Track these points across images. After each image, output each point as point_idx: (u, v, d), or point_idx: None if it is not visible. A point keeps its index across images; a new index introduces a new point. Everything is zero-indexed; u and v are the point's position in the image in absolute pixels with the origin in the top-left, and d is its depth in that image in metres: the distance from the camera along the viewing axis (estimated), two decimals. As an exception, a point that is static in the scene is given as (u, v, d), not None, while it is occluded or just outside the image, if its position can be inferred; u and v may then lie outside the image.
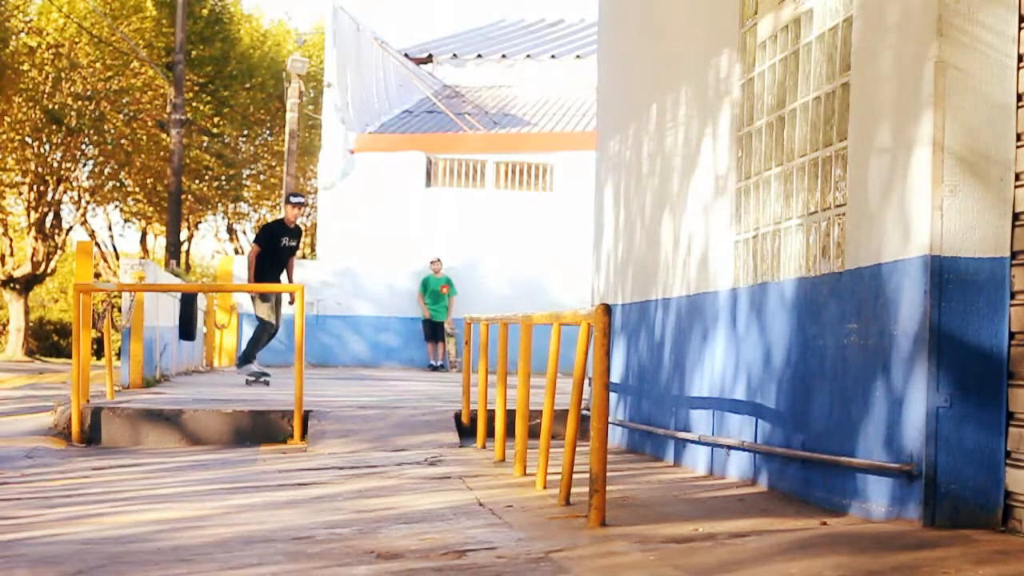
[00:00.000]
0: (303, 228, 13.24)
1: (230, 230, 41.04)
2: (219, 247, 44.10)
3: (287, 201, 12.81)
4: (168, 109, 25.37)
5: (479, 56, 28.44)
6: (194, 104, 31.54)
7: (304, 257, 27.98)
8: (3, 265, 32.78)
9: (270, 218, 36.91)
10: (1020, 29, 4.39)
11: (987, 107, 4.38)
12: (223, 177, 35.55)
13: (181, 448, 8.11)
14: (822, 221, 5.16)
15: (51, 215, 32.39)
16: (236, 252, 38.98)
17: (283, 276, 12.54)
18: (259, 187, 38.13)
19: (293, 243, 12.52)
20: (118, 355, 12.26)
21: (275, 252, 12.34)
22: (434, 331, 20.43)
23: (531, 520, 4.77)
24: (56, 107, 29.54)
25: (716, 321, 6.30)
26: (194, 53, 30.79)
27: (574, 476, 5.15)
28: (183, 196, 29.01)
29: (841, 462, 4.86)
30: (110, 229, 37.92)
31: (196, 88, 32.05)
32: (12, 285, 32.32)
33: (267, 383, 12.05)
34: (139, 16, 29.61)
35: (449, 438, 8.06)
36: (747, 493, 5.55)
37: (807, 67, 5.38)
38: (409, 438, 8.00)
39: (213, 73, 32.81)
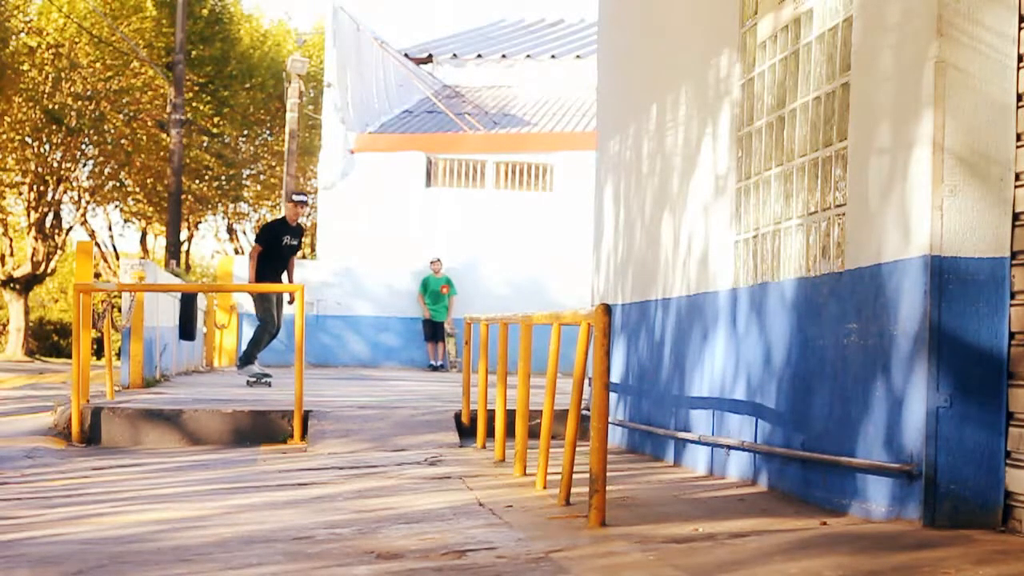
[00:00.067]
0: (304, 228, 13.21)
1: (230, 230, 41.06)
2: (219, 247, 44.15)
3: (289, 199, 12.78)
4: (168, 109, 25.37)
5: (479, 56, 28.44)
6: (194, 104, 31.54)
7: (304, 257, 27.99)
8: (3, 265, 32.78)
9: (270, 218, 36.90)
10: (1020, 29, 4.39)
11: (987, 107, 4.38)
12: (223, 177, 35.55)
13: (181, 448, 8.11)
14: (822, 221, 5.16)
15: (51, 215, 32.40)
16: (236, 252, 38.99)
17: (283, 276, 12.53)
18: (259, 187, 38.13)
19: (295, 242, 12.49)
20: (118, 355, 12.26)
21: (277, 251, 12.31)
22: (434, 331, 20.43)
23: (531, 520, 4.77)
24: (56, 107, 29.54)
25: (716, 321, 6.30)
26: (194, 53, 30.79)
27: (574, 476, 5.15)
28: (183, 196, 29.02)
29: (841, 462, 4.86)
30: (110, 229, 37.97)
31: (196, 88, 32.04)
32: (12, 285, 32.33)
33: (269, 384, 12.03)
34: (139, 16, 29.62)
35: (449, 438, 8.06)
36: (747, 493, 5.55)
37: (807, 67, 5.38)
38: (409, 438, 8.00)
39: (213, 73, 32.81)
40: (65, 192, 32.34)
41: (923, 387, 4.35)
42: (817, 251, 5.20)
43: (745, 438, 5.88)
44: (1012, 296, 4.36)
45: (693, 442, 6.53)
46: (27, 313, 33.37)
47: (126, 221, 37.23)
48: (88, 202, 33.76)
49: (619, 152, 8.35)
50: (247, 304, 18.42)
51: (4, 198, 32.42)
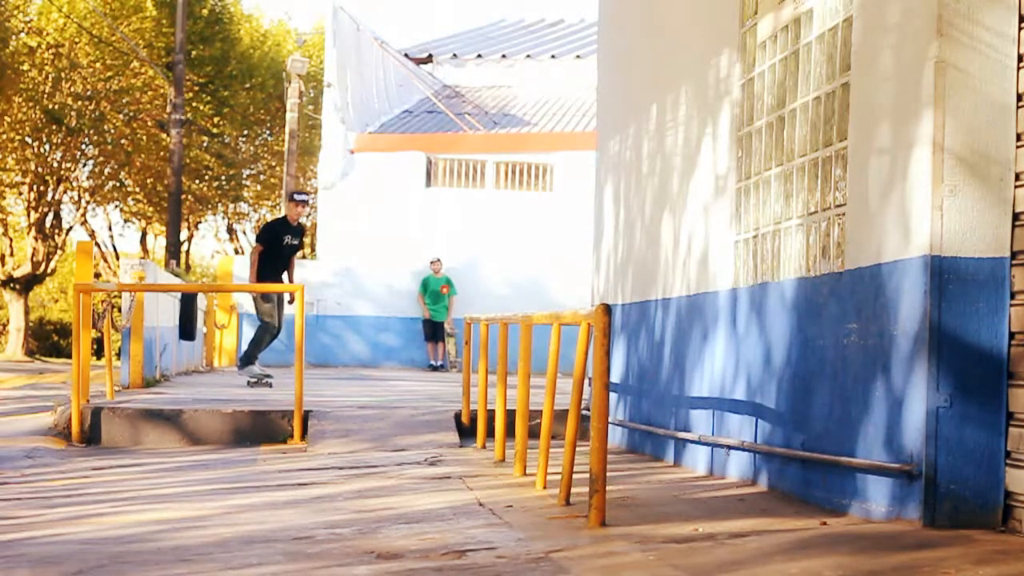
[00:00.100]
0: (304, 227, 13.21)
1: (230, 230, 41.06)
2: (219, 247, 44.16)
3: (290, 199, 12.75)
4: (168, 109, 25.37)
5: (479, 56, 28.44)
6: (194, 104, 31.54)
7: (304, 257, 27.99)
8: (3, 265, 32.79)
9: (270, 218, 36.89)
10: (1020, 29, 4.39)
11: (987, 107, 4.38)
12: (223, 177, 35.56)
13: (181, 448, 8.11)
14: (822, 221, 5.16)
15: (51, 215, 32.40)
16: (236, 252, 39.00)
17: (284, 276, 12.52)
18: (259, 187, 38.14)
19: (296, 242, 12.46)
20: (118, 355, 12.25)
21: (278, 251, 12.29)
22: (434, 331, 20.44)
23: (531, 520, 4.77)
24: (56, 107, 29.54)
25: (716, 321, 6.30)
26: (194, 53, 30.79)
27: (574, 476, 5.14)
28: (183, 196, 29.01)
29: (841, 462, 4.86)
30: (110, 229, 37.98)
31: (196, 88, 32.05)
32: (12, 285, 32.33)
33: (270, 385, 12.00)
34: (139, 16, 29.62)
35: (449, 438, 8.06)
36: (747, 493, 5.55)
37: (807, 67, 5.38)
38: (409, 438, 8.00)
39: (213, 73, 32.81)
40: (65, 192, 32.35)
41: (923, 387, 4.35)
42: (817, 251, 5.20)
43: (745, 438, 5.88)
44: (1012, 296, 4.36)
45: (693, 442, 6.53)
46: (27, 313, 33.37)
47: (126, 221, 37.24)
48: (88, 202, 33.77)
49: (619, 152, 8.35)
50: (247, 304, 18.42)
51: (4, 198, 32.42)
